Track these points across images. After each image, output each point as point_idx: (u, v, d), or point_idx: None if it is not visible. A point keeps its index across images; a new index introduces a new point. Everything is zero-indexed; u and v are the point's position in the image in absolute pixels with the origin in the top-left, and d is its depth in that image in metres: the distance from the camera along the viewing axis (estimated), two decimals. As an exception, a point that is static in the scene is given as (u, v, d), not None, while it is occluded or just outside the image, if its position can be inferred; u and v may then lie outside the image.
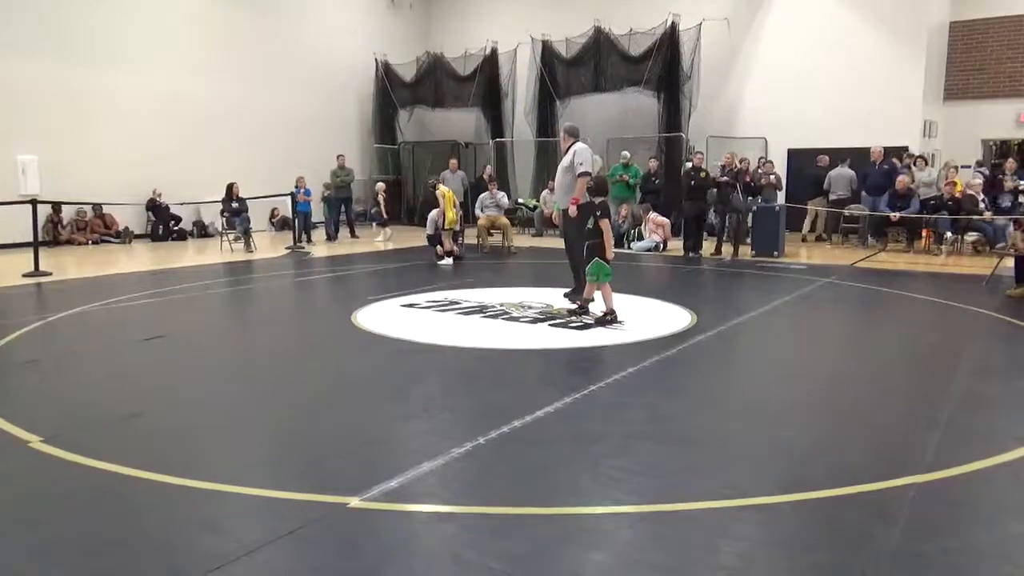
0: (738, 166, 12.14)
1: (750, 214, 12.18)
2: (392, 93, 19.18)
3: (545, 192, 15.35)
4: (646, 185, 13.97)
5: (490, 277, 9.88)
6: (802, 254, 11.89)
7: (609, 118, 16.41)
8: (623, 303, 6.86)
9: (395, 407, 4.22)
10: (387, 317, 6.80)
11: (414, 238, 13.47)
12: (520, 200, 16.93)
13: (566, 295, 7.39)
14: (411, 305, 7.31)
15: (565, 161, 7.26)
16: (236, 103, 16.11)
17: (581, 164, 7.03)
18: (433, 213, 11.11)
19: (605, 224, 6.29)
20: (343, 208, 15.29)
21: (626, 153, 14.33)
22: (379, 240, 14.48)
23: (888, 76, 14.42)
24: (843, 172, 13.50)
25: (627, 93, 16.06)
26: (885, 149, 13.24)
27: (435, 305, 7.29)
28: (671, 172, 14.59)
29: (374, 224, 15.30)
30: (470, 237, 12.94)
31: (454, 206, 10.98)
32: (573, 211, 6.94)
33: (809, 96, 15.09)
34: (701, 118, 15.44)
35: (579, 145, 7.28)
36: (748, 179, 12.33)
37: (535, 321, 6.49)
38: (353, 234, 15.18)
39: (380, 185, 15.32)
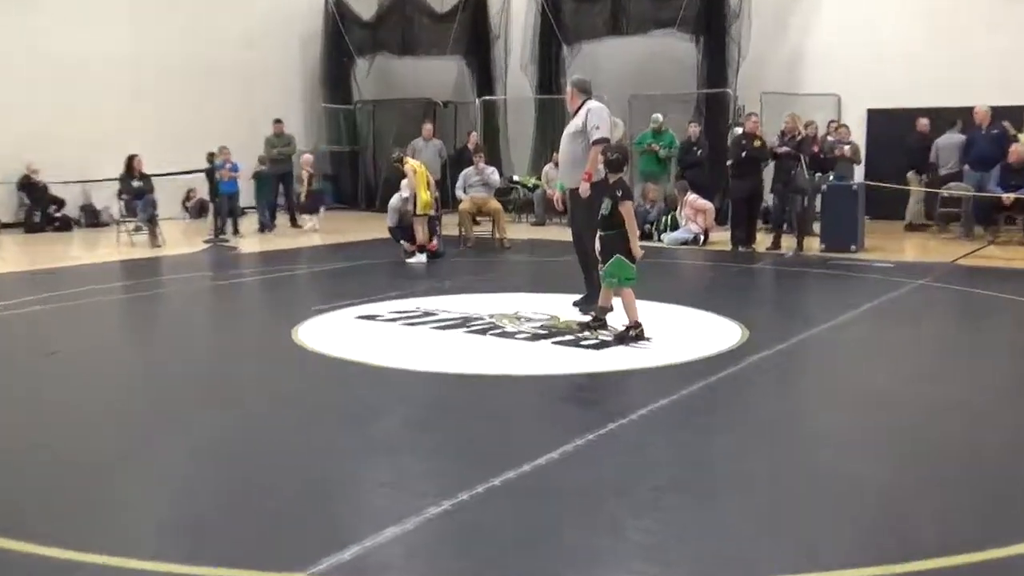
0: (803, 132, 12.18)
1: (818, 195, 12.22)
2: (346, 36, 19.22)
3: (548, 167, 15.36)
4: (684, 158, 14.01)
5: (476, 280, 9.85)
6: (888, 248, 11.94)
7: (632, 69, 16.46)
8: (651, 313, 6.87)
9: (351, 453, 4.21)
10: (339, 333, 6.78)
11: (374, 227, 13.46)
12: (515, 178, 16.95)
13: (576, 304, 7.39)
14: (371, 317, 7.31)
15: (574, 125, 7.28)
16: (139, 53, 16.08)
17: (596, 128, 7.04)
18: (394, 199, 11.10)
19: (627, 208, 6.30)
20: (281, 188, 15.30)
21: (658, 116, 14.36)
22: (308, 227, 14.46)
23: (995, 14, 14.48)
24: (954, 139, 13.49)
25: (655, 36, 16.11)
26: (994, 109, 13.29)
27: (403, 316, 7.29)
28: (715, 141, 14.64)
29: (319, 211, 15.28)
30: (449, 227, 12.93)
31: (428, 186, 11.00)
32: (585, 190, 6.95)
33: (895, 41, 15.15)
34: (754, 69, 15.49)
35: (593, 104, 7.29)
36: (816, 149, 12.37)
37: (535, 338, 6.50)
38: (294, 222, 15.19)
39: (307, 157, 15.24)
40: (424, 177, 10.94)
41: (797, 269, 10.38)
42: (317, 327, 6.94)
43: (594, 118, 7.09)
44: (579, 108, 7.28)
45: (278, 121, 15.68)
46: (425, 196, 10.76)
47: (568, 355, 6.02)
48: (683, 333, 6.73)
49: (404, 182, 10.94)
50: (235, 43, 17.57)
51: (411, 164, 11.00)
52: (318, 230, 14.59)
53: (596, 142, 6.97)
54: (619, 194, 6.30)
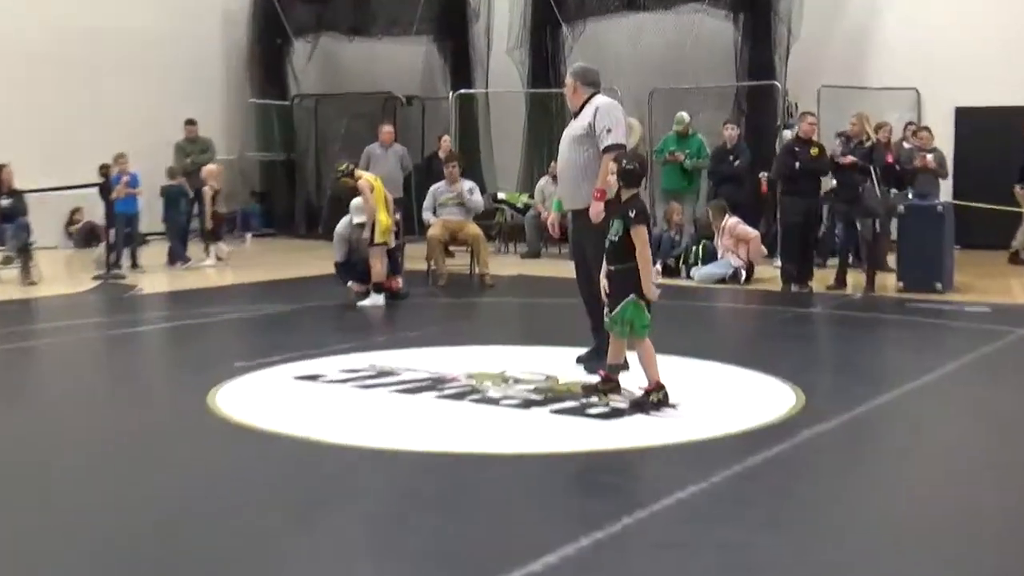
0: (873, 137, 12.29)
1: (893, 219, 12.29)
2: (282, 13, 19.31)
3: (544, 181, 15.42)
4: (717, 169, 14.09)
5: (451, 329, 9.84)
6: (984, 287, 11.99)
7: (652, 55, 16.59)
8: (678, 372, 6.88)
9: (287, 560, 4.19)
10: (271, 397, 6.77)
11: (317, 259, 13.46)
12: (501, 195, 16.97)
13: (581, 360, 7.41)
14: (313, 377, 7.29)
15: (578, 127, 7.34)
16: (6, 31, 16.12)
17: (608, 130, 7.09)
18: (342, 226, 10.99)
19: (640, 234, 6.31)
20: (195, 207, 15.32)
21: (683, 115, 14.47)
22: (207, 264, 14.45)
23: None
24: None
25: (682, 13, 16.28)
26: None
27: (354, 377, 7.28)
28: (759, 147, 14.74)
29: (245, 239, 15.30)
30: (415, 259, 12.93)
31: (387, 206, 11.01)
32: (597, 212, 6.96)
33: (991, 20, 15.30)
34: (809, 55, 15.64)
35: (602, 100, 7.36)
36: (890, 159, 12.48)
37: (527, 404, 6.49)
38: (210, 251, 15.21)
39: (210, 168, 15.15)
40: (382, 195, 10.94)
41: (866, 315, 10.41)
42: (242, 390, 6.90)
43: (604, 118, 7.15)
44: (584, 105, 7.35)
45: (191, 122, 15.72)
46: (385, 219, 10.72)
47: (570, 427, 6.01)
48: (719, 398, 6.73)
49: (355, 202, 10.86)
50: (136, 20, 17.62)
51: (366, 178, 10.97)
52: (223, 259, 14.52)
53: (608, 149, 7.02)
54: (632, 215, 6.34)
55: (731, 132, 14.20)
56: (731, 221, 12.84)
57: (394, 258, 11.22)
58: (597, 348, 7.23)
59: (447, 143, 15.73)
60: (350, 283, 10.91)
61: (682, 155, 14.15)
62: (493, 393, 6.78)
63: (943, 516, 4.79)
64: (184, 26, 18.46)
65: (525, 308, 11.45)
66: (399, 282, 11.10)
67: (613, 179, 6.60)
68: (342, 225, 11.05)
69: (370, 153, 14.41)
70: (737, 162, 13.97)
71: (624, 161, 6.53)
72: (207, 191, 14.74)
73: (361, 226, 10.74)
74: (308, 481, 5.19)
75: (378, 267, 10.72)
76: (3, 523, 4.63)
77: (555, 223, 7.91)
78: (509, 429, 6.04)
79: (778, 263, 12.67)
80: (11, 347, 9.02)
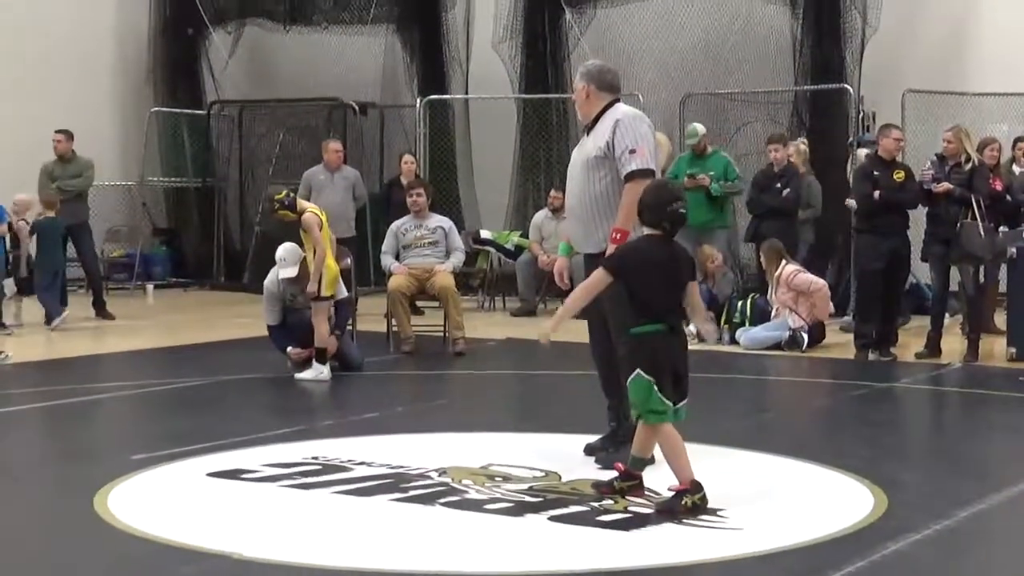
0: (974, 158, 12.29)
1: (1002, 265, 12.30)
2: (196, -6, 19.42)
3: (541, 215, 15.44)
4: (759, 199, 13.96)
5: (418, 410, 9.82)
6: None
7: (685, 51, 16.67)
8: (720, 468, 6.89)
9: None
10: (177, 501, 6.75)
11: (242, 318, 13.41)
12: (485, 234, 16.92)
13: (591, 449, 7.42)
14: (233, 473, 7.27)
15: (592, 146, 7.37)
16: None
17: (631, 151, 7.11)
18: (270, 281, 10.91)
19: (594, 277, 6.36)
20: (74, 248, 15.32)
21: (697, 127, 14.38)
22: (11, 328, 14.23)
23: None
24: None
25: (725, -3, 16.42)
26: None
27: (288, 474, 7.26)
28: (821, 170, 14.76)
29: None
30: (371, 318, 12.91)
31: (333, 249, 10.97)
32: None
33: None
34: (890, 52, 15.73)
35: (623, 111, 7.40)
36: (997, 186, 12.49)
37: (520, 510, 6.48)
38: (101, 307, 15.22)
39: (21, 198, 14.78)
40: (328, 234, 10.89)
41: (967, 391, 10.41)
42: (139, 491, 6.88)
43: (626, 135, 7.17)
44: (599, 118, 7.39)
45: (63, 133, 15.53)
46: (333, 264, 10.67)
47: (577, 539, 5.98)
48: (774, 501, 6.74)
49: (282, 250, 10.75)
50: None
51: (311, 210, 10.92)
52: (53, 327, 14.38)
53: (631, 176, 7.05)
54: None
55: (778, 153, 14.01)
56: (788, 269, 12.79)
57: (344, 316, 11.24)
58: (613, 434, 7.25)
59: (412, 165, 15.72)
60: (289, 349, 10.89)
61: (707, 177, 14.07)
62: (474, 494, 6.77)
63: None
64: (64, 9, 18.54)
65: (517, 382, 11.43)
66: (334, 343, 10.86)
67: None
68: (270, 280, 10.97)
69: (312, 179, 14.41)
70: (787, 191, 13.89)
71: (651, 193, 6.48)
72: (22, 227, 14.56)
73: (290, 281, 10.70)
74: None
75: (323, 329, 10.66)
76: None
77: (563, 271, 7.92)
78: (495, 542, 6.02)
79: (851, 323, 12.66)
80: None
